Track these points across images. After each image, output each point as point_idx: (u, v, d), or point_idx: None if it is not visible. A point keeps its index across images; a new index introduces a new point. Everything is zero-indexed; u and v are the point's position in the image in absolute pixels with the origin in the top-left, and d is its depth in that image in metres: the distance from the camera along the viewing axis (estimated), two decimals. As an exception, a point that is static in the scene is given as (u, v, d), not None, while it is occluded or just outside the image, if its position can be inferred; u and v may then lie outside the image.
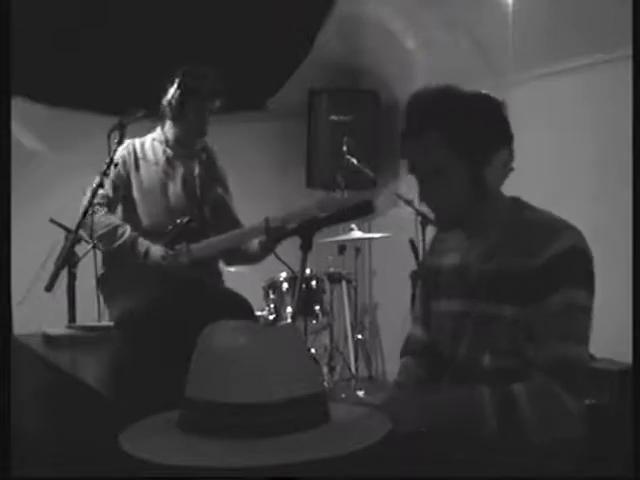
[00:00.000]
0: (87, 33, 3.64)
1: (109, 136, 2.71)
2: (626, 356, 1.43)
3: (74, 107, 3.96)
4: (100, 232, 2.71)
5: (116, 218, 2.82)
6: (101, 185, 2.63)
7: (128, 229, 2.75)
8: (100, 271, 2.79)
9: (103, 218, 2.75)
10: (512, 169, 1.50)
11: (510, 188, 1.56)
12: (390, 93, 4.57)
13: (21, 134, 3.88)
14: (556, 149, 3.62)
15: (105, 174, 2.62)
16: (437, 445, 1.24)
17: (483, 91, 1.50)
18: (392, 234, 3.94)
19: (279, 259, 2.60)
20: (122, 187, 2.82)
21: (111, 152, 2.64)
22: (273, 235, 2.61)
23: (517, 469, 1.19)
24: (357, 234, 4.06)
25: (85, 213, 2.53)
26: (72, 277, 2.48)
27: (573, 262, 1.40)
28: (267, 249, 2.74)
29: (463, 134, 1.43)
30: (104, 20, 3.62)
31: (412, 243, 3.39)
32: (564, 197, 3.49)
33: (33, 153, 3.99)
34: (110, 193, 2.81)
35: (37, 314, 2.37)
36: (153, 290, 2.55)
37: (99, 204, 2.77)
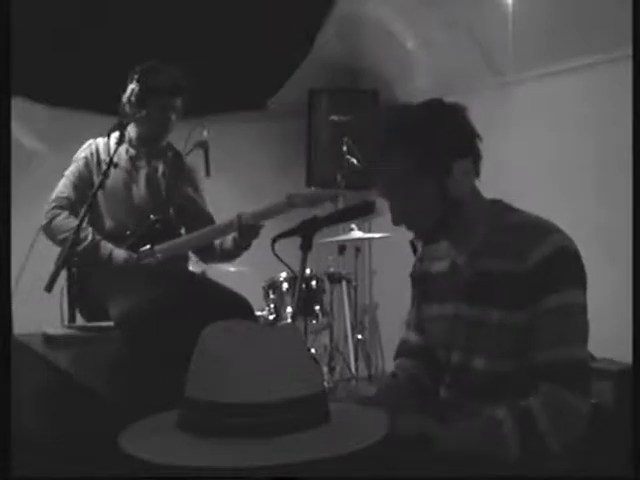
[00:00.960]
0: (87, 33, 3.64)
1: (109, 136, 2.71)
2: (626, 356, 1.43)
3: (74, 107, 3.96)
4: (61, 236, 2.63)
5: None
6: (101, 186, 2.61)
7: (90, 232, 2.67)
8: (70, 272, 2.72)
9: (64, 222, 2.68)
10: (478, 175, 1.50)
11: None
12: (390, 93, 4.57)
13: (21, 134, 3.88)
14: (556, 149, 3.62)
15: (105, 175, 2.59)
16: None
17: (444, 100, 1.50)
18: (392, 234, 3.94)
19: (279, 259, 2.59)
20: (84, 188, 2.72)
21: (111, 152, 2.63)
22: (246, 232, 2.57)
23: (517, 469, 1.19)
24: (357, 234, 4.06)
25: (84, 216, 2.48)
26: (72, 277, 2.48)
27: (566, 263, 1.40)
28: (242, 246, 2.69)
29: (421, 150, 1.44)
30: (104, 20, 3.62)
31: (412, 243, 3.39)
32: (564, 197, 3.49)
33: (33, 153, 3.99)
34: (72, 195, 2.74)
35: (37, 314, 2.36)
36: (153, 290, 2.54)
37: (60, 207, 2.72)
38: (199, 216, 2.88)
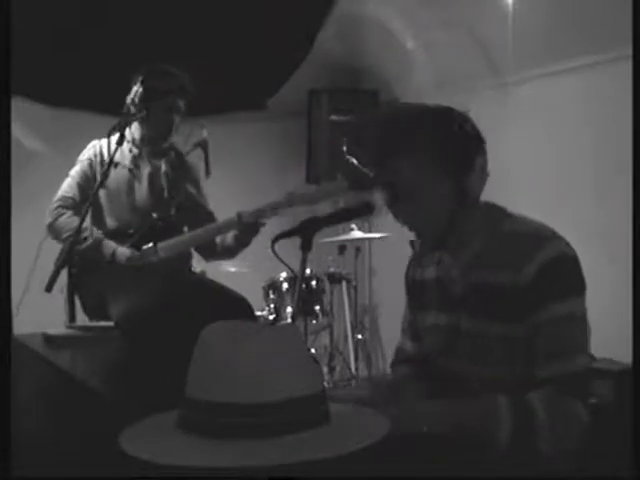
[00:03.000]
0: (87, 33, 3.64)
1: (109, 136, 2.71)
2: (626, 356, 1.43)
3: (74, 107, 3.96)
4: (65, 235, 2.69)
5: None
6: (102, 185, 2.62)
7: (93, 231, 2.73)
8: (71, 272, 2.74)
9: (68, 220, 2.73)
10: (488, 174, 1.44)
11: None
12: (390, 93, 4.57)
13: (21, 134, 3.88)
14: (556, 149, 3.61)
15: (105, 174, 2.60)
16: (437, 445, 1.24)
17: (443, 104, 1.45)
18: (392, 234, 3.94)
19: (279, 259, 2.59)
20: (88, 189, 2.77)
21: (111, 152, 2.63)
22: (246, 230, 2.62)
23: (517, 469, 1.19)
24: (357, 234, 4.07)
25: (84, 215, 2.49)
26: (72, 277, 2.47)
27: (566, 271, 1.37)
28: (242, 244, 2.74)
29: (438, 148, 1.38)
30: (104, 20, 3.62)
31: (412, 244, 3.39)
32: (564, 197, 3.49)
33: (33, 153, 3.99)
34: (76, 195, 2.79)
35: (37, 314, 2.36)
36: (153, 290, 2.55)
37: (64, 207, 2.76)
38: (200, 214, 2.91)
